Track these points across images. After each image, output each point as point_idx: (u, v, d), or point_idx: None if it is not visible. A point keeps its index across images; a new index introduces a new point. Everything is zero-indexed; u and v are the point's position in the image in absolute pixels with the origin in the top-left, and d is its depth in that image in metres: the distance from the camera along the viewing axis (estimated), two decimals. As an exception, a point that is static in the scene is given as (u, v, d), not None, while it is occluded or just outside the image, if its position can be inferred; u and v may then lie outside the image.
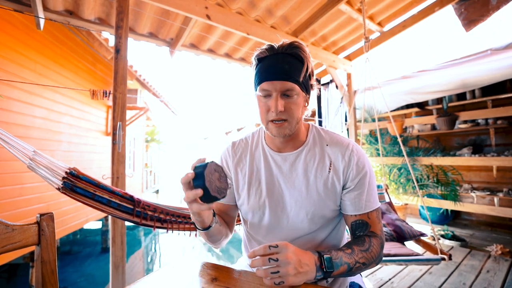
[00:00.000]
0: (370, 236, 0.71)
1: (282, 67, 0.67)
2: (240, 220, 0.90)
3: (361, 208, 0.72)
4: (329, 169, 0.74)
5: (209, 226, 0.71)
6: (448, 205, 3.27)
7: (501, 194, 3.39)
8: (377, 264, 0.71)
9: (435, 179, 3.49)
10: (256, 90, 0.73)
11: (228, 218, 0.86)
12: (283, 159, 0.78)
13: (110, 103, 5.46)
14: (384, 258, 1.62)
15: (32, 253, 3.43)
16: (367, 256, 0.66)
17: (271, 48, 0.70)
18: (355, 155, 0.73)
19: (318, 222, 0.74)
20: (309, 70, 0.71)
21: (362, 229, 0.72)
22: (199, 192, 0.55)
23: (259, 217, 0.78)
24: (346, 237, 0.88)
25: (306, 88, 0.72)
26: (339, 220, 0.80)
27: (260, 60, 0.71)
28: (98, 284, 4.45)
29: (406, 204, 3.89)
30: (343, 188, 0.74)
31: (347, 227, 0.80)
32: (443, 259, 1.65)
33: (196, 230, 1.53)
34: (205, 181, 0.55)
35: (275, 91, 0.68)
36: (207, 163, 0.57)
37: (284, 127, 0.70)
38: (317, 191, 0.74)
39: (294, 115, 0.70)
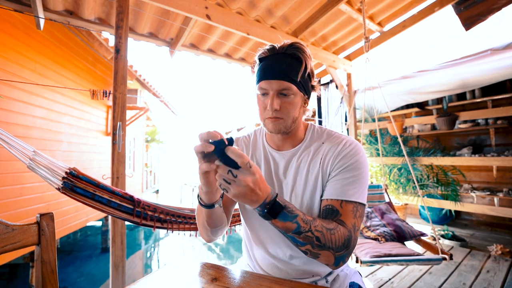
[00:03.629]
0: (338, 223, 0.65)
1: (280, 67, 0.69)
2: (240, 220, 0.90)
3: (336, 193, 0.68)
4: (320, 163, 0.75)
5: (214, 205, 0.68)
6: (448, 205, 3.27)
7: (501, 194, 3.39)
8: (336, 261, 0.63)
9: (435, 179, 3.49)
10: (256, 90, 0.75)
11: (226, 211, 0.86)
12: (281, 156, 0.80)
13: (110, 103, 5.46)
14: (385, 258, 1.62)
15: (32, 253, 3.43)
16: (326, 235, 0.61)
17: (272, 48, 0.72)
18: (347, 148, 0.73)
19: None
20: (308, 70, 0.72)
21: (330, 216, 0.67)
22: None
23: (257, 213, 0.79)
24: None
25: (305, 88, 0.74)
26: None
27: (261, 60, 0.74)
28: (98, 284, 4.45)
29: (406, 204, 3.89)
30: (328, 176, 0.73)
31: None
32: (444, 259, 1.65)
33: (196, 230, 1.53)
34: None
35: (271, 90, 0.70)
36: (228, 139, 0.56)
37: (279, 123, 0.72)
38: (309, 187, 0.75)
39: (289, 114, 0.72)
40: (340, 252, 0.62)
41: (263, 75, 0.71)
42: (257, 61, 0.75)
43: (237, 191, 0.54)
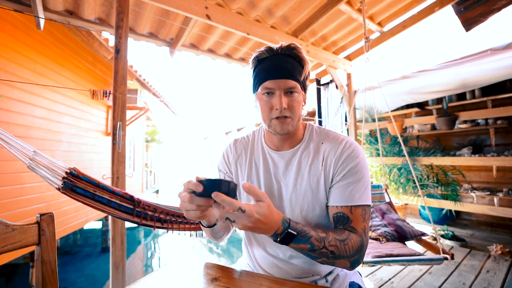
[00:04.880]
0: (350, 231, 0.68)
1: (284, 66, 0.70)
2: None
3: (344, 199, 0.70)
4: (322, 165, 0.75)
5: (215, 224, 0.73)
6: (448, 205, 3.27)
7: (501, 194, 3.39)
8: (351, 265, 0.66)
9: (435, 179, 3.49)
10: (256, 90, 0.75)
11: None
12: (280, 157, 0.80)
13: (110, 103, 5.46)
14: (387, 259, 1.62)
15: (32, 253, 3.43)
16: (340, 247, 0.63)
17: (270, 49, 0.73)
18: (348, 149, 0.73)
19: (312, 219, 0.75)
20: (307, 70, 0.75)
21: (342, 223, 0.69)
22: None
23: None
24: None
25: (304, 87, 0.76)
26: None
27: (260, 61, 0.74)
28: (98, 284, 4.45)
29: (406, 204, 3.89)
30: (332, 180, 0.74)
31: None
32: (446, 258, 1.65)
33: (196, 230, 1.53)
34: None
35: (278, 89, 0.71)
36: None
37: (287, 123, 0.72)
38: (311, 189, 0.75)
39: (296, 112, 0.73)
40: (354, 257, 0.66)
41: (267, 75, 0.71)
42: (255, 63, 0.75)
43: (243, 225, 0.56)
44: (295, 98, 0.72)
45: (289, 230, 0.60)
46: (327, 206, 0.75)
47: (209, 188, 0.54)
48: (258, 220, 0.56)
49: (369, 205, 0.72)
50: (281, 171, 0.79)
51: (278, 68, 0.70)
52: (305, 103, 0.79)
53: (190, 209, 0.58)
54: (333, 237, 0.64)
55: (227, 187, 0.55)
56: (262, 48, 0.73)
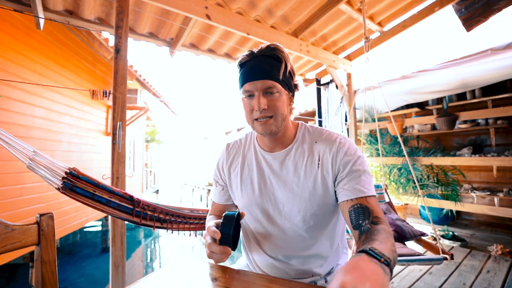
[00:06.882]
0: (377, 223, 0.60)
1: (261, 67, 0.71)
2: None
3: (358, 191, 0.68)
4: (318, 165, 0.75)
5: None
6: (448, 205, 3.27)
7: (501, 194, 3.38)
8: None
9: (435, 179, 3.49)
10: (241, 94, 0.76)
11: None
12: (273, 157, 0.80)
13: (110, 103, 5.45)
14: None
15: (32, 253, 3.43)
16: (393, 241, 0.56)
17: (251, 53, 0.74)
18: (343, 146, 0.74)
19: (310, 219, 0.75)
20: (289, 68, 0.74)
21: (363, 215, 0.63)
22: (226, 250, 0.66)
23: (254, 214, 0.80)
24: (345, 236, 0.89)
25: (289, 87, 0.75)
26: (336, 218, 0.80)
27: (242, 65, 0.75)
28: (98, 284, 4.45)
29: (406, 204, 3.89)
30: (335, 180, 0.73)
31: (346, 227, 0.79)
32: (445, 258, 1.65)
33: (196, 230, 1.53)
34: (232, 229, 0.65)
35: (256, 90, 0.71)
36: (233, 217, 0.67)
37: (269, 123, 0.72)
38: (307, 188, 0.75)
39: (279, 111, 0.72)
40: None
41: (246, 78, 0.72)
42: (238, 68, 0.76)
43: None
44: (275, 97, 0.72)
45: (373, 252, 0.46)
46: (335, 210, 0.76)
47: (225, 234, 0.65)
48: (350, 271, 0.40)
49: (376, 195, 0.71)
50: (275, 171, 0.79)
51: (255, 69, 0.71)
52: (292, 102, 0.78)
53: (212, 255, 0.66)
54: (383, 238, 0.55)
55: (237, 221, 0.65)
56: (244, 53, 0.75)
